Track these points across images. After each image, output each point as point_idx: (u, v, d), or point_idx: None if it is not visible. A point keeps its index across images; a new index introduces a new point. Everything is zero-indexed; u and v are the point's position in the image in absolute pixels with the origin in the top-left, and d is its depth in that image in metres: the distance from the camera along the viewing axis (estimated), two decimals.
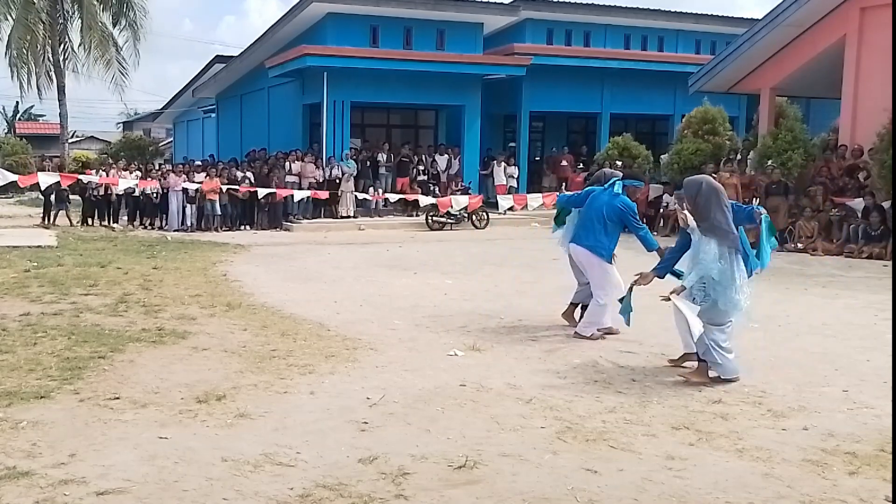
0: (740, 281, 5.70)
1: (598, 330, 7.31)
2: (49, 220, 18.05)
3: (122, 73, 25.08)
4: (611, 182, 7.47)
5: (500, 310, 8.61)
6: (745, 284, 5.74)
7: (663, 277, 6.23)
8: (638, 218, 7.47)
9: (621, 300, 6.80)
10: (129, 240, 15.47)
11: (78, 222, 18.16)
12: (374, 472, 4.11)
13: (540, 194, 19.61)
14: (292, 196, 18.29)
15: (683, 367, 6.15)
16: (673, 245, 6.47)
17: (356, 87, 19.94)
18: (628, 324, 6.77)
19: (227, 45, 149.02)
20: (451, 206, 18.32)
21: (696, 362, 5.96)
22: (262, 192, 17.81)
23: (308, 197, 18.33)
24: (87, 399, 5.27)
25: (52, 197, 18.09)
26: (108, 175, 18.63)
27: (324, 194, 18.57)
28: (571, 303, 7.80)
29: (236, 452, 4.35)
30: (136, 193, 18.33)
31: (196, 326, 7.61)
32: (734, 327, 5.89)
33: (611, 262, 7.36)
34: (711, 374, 5.83)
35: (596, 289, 7.35)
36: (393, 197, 18.73)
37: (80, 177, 18.15)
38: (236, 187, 17.87)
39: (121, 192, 18.15)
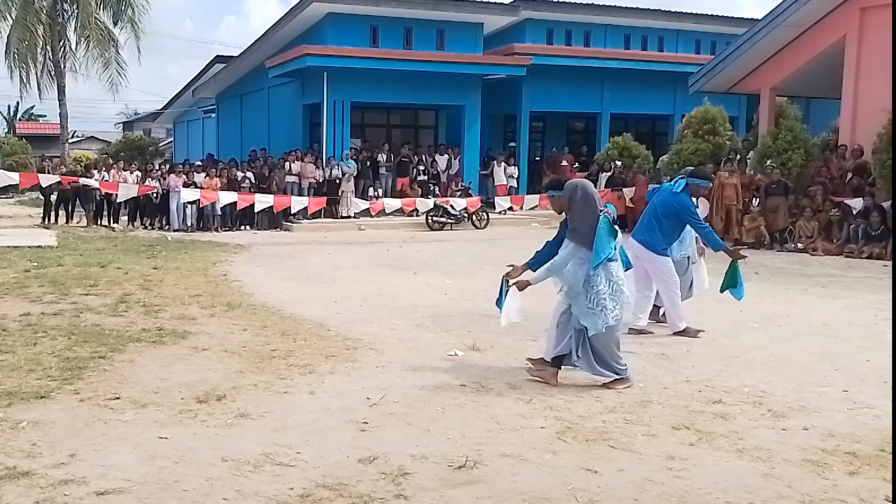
0: (600, 290, 5.49)
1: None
2: (49, 220, 18.07)
3: (119, 73, 25.10)
4: (675, 179, 7.48)
5: None
6: (608, 296, 5.50)
7: (535, 270, 5.98)
8: (697, 215, 7.34)
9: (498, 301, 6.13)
10: (129, 240, 15.47)
11: (78, 222, 18.17)
12: (374, 472, 4.11)
13: (537, 195, 19.65)
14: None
15: (537, 369, 5.88)
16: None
17: (356, 87, 19.95)
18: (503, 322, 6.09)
19: (227, 45, 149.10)
20: (447, 205, 18.37)
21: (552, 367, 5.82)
22: (259, 204, 17.82)
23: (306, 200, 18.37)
24: (87, 399, 5.27)
25: (78, 198, 18.15)
26: (108, 174, 18.64)
27: (321, 202, 18.53)
28: (654, 304, 7.68)
29: (236, 452, 4.35)
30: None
31: (196, 326, 7.61)
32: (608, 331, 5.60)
33: (665, 256, 7.28)
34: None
35: (657, 285, 7.38)
36: (392, 204, 18.64)
37: (81, 180, 18.16)
38: (235, 197, 17.85)
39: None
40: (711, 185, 7.57)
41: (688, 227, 7.38)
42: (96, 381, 5.69)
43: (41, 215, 18.39)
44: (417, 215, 19.23)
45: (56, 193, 18.04)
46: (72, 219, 18.31)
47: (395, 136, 22.93)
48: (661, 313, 7.67)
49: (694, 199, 7.40)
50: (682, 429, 4.81)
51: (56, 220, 18.12)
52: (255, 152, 21.78)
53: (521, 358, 6.54)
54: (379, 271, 11.73)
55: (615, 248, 5.58)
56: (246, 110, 26.99)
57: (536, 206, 19.53)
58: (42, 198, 18.82)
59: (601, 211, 5.59)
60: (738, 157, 17.05)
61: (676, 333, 7.34)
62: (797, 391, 5.63)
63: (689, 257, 7.67)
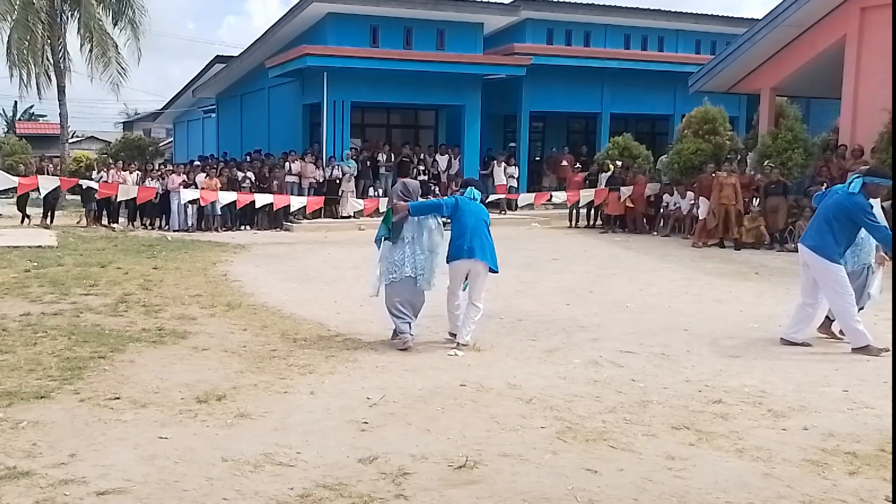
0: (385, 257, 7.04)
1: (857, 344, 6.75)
2: (50, 220, 18.09)
3: (119, 74, 25.09)
4: (851, 179, 6.91)
5: (500, 310, 8.59)
6: (385, 265, 7.03)
7: (414, 216, 6.95)
8: (875, 217, 6.65)
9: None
10: (129, 240, 15.47)
11: (78, 222, 18.20)
12: (374, 472, 4.11)
13: (532, 194, 19.60)
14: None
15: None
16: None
17: (356, 87, 19.94)
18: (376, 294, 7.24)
19: (228, 45, 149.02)
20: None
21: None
22: (259, 201, 17.82)
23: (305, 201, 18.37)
24: (87, 399, 5.27)
25: (80, 197, 18.11)
26: (108, 175, 18.65)
27: (318, 202, 18.51)
28: (826, 317, 7.20)
29: (236, 452, 4.35)
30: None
31: (196, 326, 7.61)
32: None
33: (838, 265, 6.73)
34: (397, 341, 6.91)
35: (827, 295, 6.85)
36: (386, 203, 18.61)
37: (81, 181, 18.17)
38: (234, 197, 17.84)
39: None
40: (891, 183, 6.82)
41: (863, 232, 6.81)
42: (96, 381, 5.69)
43: (41, 215, 18.41)
44: None
45: (22, 194, 18.00)
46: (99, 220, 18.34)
47: (395, 136, 22.93)
48: (836, 329, 7.14)
49: (872, 200, 6.73)
50: (682, 429, 4.81)
51: (24, 220, 18.04)
52: (252, 154, 21.75)
53: (520, 358, 6.56)
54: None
55: (389, 231, 7.03)
56: (246, 110, 27.00)
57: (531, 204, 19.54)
58: (41, 198, 18.81)
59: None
60: (738, 157, 17.03)
61: (857, 350, 6.71)
62: (797, 391, 5.63)
63: (868, 266, 7.09)
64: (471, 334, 6.97)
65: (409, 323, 6.95)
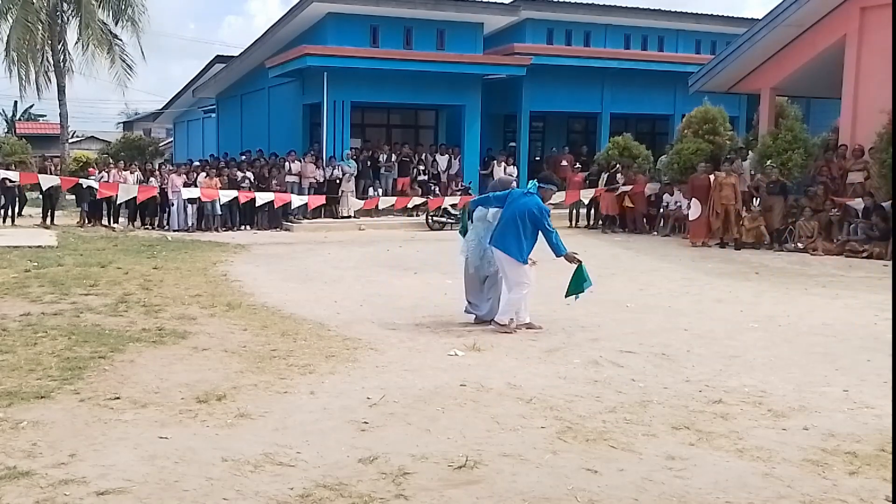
0: None
1: None
2: (49, 219, 18.08)
3: (125, 71, 25.11)
4: None
5: None
6: None
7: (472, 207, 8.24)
8: None
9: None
10: (129, 240, 15.47)
11: (78, 222, 18.20)
12: (374, 472, 4.11)
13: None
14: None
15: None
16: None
17: (356, 87, 19.95)
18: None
19: (228, 45, 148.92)
20: (441, 206, 18.35)
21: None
22: (259, 201, 17.82)
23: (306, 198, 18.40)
24: (88, 399, 5.27)
25: (75, 197, 18.08)
26: (108, 175, 18.65)
27: (320, 199, 18.53)
28: None
29: (236, 452, 4.35)
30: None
31: (196, 326, 7.61)
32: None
33: None
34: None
35: None
36: (388, 200, 18.63)
37: (81, 181, 18.17)
38: (235, 193, 17.83)
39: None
40: None
41: None
42: (96, 381, 5.69)
43: (41, 215, 18.42)
44: (417, 215, 19.22)
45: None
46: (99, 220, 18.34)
47: (395, 136, 22.94)
48: None
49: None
50: (682, 429, 4.81)
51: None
52: (251, 153, 21.73)
53: (520, 358, 6.56)
54: (379, 271, 11.72)
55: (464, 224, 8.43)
56: (246, 110, 27.00)
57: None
58: (41, 198, 18.81)
59: None
60: (737, 157, 17.00)
61: None
62: (797, 391, 5.63)
63: None
64: (507, 315, 7.55)
65: (472, 302, 7.96)
